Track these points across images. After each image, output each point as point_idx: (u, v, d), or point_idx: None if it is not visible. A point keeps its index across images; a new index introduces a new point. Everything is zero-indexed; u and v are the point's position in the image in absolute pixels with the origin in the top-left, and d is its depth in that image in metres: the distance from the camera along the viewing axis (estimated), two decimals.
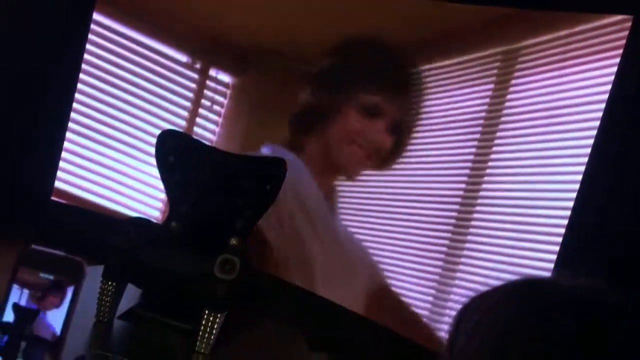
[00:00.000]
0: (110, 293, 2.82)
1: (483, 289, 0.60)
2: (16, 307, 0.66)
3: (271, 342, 3.27)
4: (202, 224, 3.21)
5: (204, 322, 2.73)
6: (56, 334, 0.66)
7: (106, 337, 2.80)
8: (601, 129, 2.45)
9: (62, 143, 3.93)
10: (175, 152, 3.28)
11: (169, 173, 3.28)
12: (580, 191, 2.46)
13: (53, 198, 3.94)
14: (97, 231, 3.10)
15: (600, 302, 0.54)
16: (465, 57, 3.10)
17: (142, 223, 3.04)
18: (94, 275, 2.89)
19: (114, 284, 2.82)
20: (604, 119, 2.45)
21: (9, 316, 0.67)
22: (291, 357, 3.13)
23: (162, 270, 2.83)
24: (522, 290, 0.56)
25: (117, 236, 2.85)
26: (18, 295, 0.67)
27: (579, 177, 2.50)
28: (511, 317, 0.54)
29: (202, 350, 2.74)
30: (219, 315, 2.73)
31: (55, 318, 0.67)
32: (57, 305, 0.67)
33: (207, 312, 2.73)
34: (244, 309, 3.22)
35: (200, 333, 2.74)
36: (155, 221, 3.24)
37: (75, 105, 3.92)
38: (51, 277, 0.67)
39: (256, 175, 3.21)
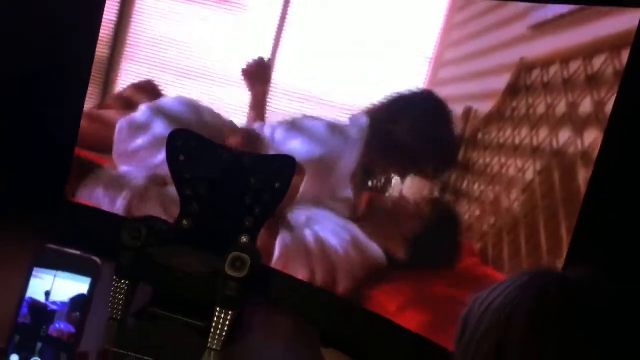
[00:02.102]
0: (123, 291, 2.86)
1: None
2: (32, 308, 0.67)
3: (283, 338, 3.30)
4: (213, 222, 3.25)
5: (215, 319, 2.76)
6: (72, 333, 0.68)
7: (120, 334, 2.84)
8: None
9: (75, 141, 3.98)
10: (186, 151, 3.32)
11: (180, 172, 3.32)
12: None
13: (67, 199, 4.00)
14: (110, 230, 3.14)
15: (594, 289, 0.57)
16: None
17: (153, 222, 3.07)
18: (107, 274, 2.94)
19: (127, 282, 2.86)
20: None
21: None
22: (303, 352, 3.15)
23: (173, 269, 2.87)
24: (526, 280, 0.59)
25: (129, 235, 2.88)
26: (34, 296, 0.69)
27: None
28: (513, 303, 0.57)
29: (214, 347, 2.78)
30: (230, 313, 2.76)
31: (72, 317, 0.68)
32: (73, 304, 0.68)
33: (218, 309, 2.76)
34: (256, 305, 3.25)
35: (212, 330, 2.77)
36: (166, 220, 3.26)
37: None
38: (68, 275, 0.68)
39: (265, 173, 3.24)
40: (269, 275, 3.53)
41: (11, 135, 3.91)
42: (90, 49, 3.96)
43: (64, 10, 3.83)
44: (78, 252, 0.69)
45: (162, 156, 3.54)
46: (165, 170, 3.44)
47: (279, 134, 3.72)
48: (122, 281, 2.86)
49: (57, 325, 0.67)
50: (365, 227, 3.41)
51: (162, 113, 3.88)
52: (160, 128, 3.83)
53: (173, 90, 3.88)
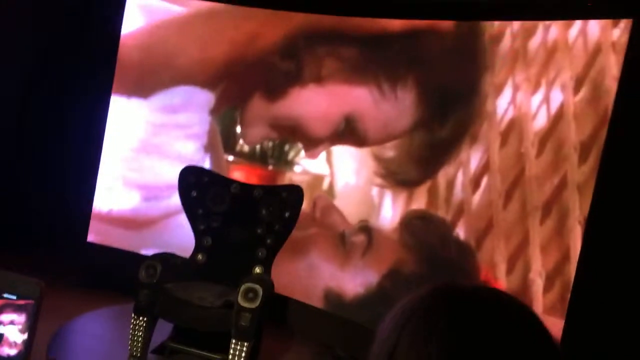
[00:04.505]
0: (141, 328, 2.91)
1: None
2: None
3: None
4: (227, 254, 3.30)
5: (231, 351, 2.79)
6: (21, 351, 0.72)
7: None
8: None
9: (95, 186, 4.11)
10: (197, 187, 3.39)
11: (193, 208, 3.40)
12: None
13: (89, 240, 4.11)
14: (128, 268, 3.21)
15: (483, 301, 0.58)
16: None
17: (167, 258, 3.13)
18: (126, 311, 3.01)
19: (145, 319, 2.91)
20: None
21: None
22: None
23: (188, 303, 2.91)
24: (422, 294, 0.61)
25: (145, 272, 2.95)
26: None
27: None
28: (406, 313, 0.59)
29: None
30: (245, 344, 2.79)
31: (19, 336, 0.72)
32: (20, 324, 0.72)
33: (234, 341, 2.79)
34: (273, 335, 3.27)
35: None
36: (180, 255, 3.32)
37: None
38: (13, 297, 0.72)
39: (275, 203, 3.29)
40: (285, 304, 3.55)
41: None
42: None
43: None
44: (21, 275, 0.73)
45: None
46: None
47: None
48: (140, 318, 2.91)
49: (4, 348, 0.71)
50: None
51: None
52: None
53: None
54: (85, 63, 4.02)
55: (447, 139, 3.21)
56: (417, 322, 0.58)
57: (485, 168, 3.03)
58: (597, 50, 2.68)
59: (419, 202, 3.32)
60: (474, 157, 3.10)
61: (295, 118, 3.79)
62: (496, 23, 3.08)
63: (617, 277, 2.39)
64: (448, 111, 3.25)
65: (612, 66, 2.60)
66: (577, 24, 2.75)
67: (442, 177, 3.23)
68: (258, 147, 4.00)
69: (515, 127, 2.94)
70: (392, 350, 0.58)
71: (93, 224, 4.11)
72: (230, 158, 4.04)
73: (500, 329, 0.56)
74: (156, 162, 4.07)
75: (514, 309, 0.59)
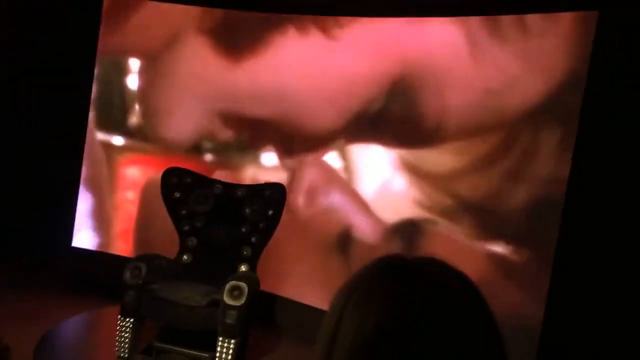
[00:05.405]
0: (128, 329, 2.93)
1: None
2: None
3: None
4: (212, 254, 3.32)
5: (219, 349, 2.82)
6: None
7: None
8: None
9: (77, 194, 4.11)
10: (181, 188, 3.42)
11: (177, 209, 3.42)
12: None
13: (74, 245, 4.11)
14: (113, 271, 3.23)
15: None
16: None
17: (152, 259, 3.15)
18: (113, 314, 3.02)
19: (131, 320, 2.93)
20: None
21: None
22: None
23: (174, 302, 2.94)
24: (374, 262, 0.68)
25: (130, 274, 2.97)
26: None
27: None
28: (357, 279, 0.67)
29: None
30: (232, 341, 2.82)
31: None
32: None
33: (220, 338, 2.82)
34: (261, 332, 3.30)
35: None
36: (165, 256, 3.34)
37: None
38: None
39: (258, 202, 3.32)
40: (273, 301, 3.59)
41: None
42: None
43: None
44: None
45: None
46: None
47: None
48: (127, 319, 2.93)
49: None
50: None
51: None
52: None
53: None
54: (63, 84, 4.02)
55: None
56: (364, 286, 0.65)
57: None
58: (565, 42, 2.75)
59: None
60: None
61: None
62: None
63: (593, 275, 2.46)
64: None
65: (580, 58, 2.67)
66: (544, 16, 2.81)
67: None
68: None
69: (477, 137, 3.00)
70: (342, 310, 0.64)
71: (77, 229, 4.11)
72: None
73: (436, 290, 0.63)
74: (140, 165, 4.08)
75: (450, 274, 0.66)
